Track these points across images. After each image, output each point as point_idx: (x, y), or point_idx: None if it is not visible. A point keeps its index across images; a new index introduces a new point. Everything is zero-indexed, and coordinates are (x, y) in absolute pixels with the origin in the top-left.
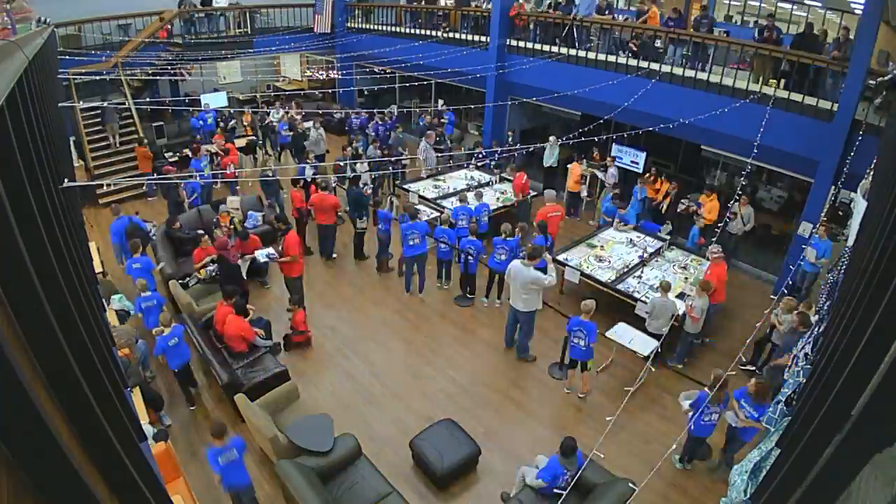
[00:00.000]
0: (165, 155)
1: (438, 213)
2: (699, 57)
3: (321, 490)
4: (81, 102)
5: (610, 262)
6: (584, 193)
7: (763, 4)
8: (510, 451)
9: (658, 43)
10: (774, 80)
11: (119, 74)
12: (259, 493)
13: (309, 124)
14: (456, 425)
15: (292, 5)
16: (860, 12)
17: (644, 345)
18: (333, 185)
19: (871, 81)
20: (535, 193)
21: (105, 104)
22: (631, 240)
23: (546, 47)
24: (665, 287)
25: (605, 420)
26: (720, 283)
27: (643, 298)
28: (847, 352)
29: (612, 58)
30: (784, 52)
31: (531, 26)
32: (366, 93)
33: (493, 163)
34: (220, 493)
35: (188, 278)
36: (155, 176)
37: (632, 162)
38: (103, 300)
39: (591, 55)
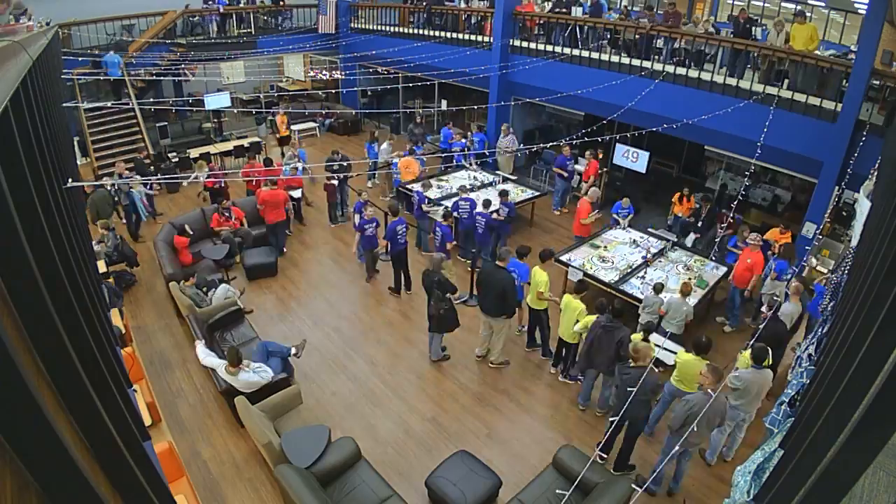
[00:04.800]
0: (168, 155)
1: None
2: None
3: (321, 494)
4: (85, 103)
5: (613, 262)
6: None
7: (766, 4)
8: (512, 452)
9: (660, 42)
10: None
11: (123, 75)
12: (260, 495)
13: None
14: (471, 457)
15: (296, 6)
16: (864, 12)
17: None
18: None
19: (874, 81)
20: (539, 194)
21: (109, 104)
22: (634, 240)
23: (549, 47)
24: (657, 289)
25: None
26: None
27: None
28: (851, 353)
29: (615, 58)
30: (787, 52)
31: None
32: (369, 93)
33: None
34: (221, 493)
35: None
36: (159, 176)
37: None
38: None
39: (595, 55)
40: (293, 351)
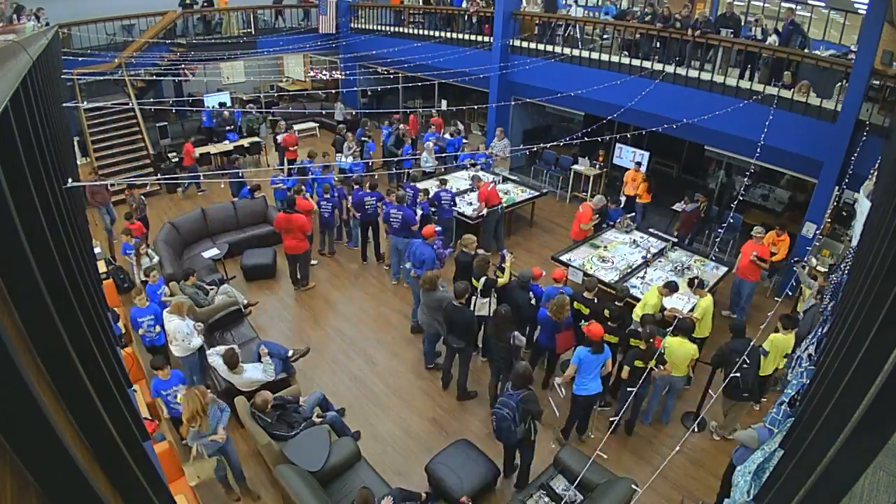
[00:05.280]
0: (168, 155)
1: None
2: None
3: (321, 494)
4: (85, 103)
5: (613, 262)
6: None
7: (766, 4)
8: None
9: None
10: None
11: (123, 75)
12: (261, 494)
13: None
14: (472, 446)
15: (296, 6)
16: (864, 12)
17: None
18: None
19: (874, 81)
20: (538, 194)
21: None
22: (634, 240)
23: (549, 47)
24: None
25: (609, 421)
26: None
27: None
28: (851, 353)
29: (615, 58)
30: (788, 52)
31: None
32: (369, 93)
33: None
34: (222, 492)
35: None
36: (159, 176)
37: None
38: None
39: (595, 55)
40: (290, 353)
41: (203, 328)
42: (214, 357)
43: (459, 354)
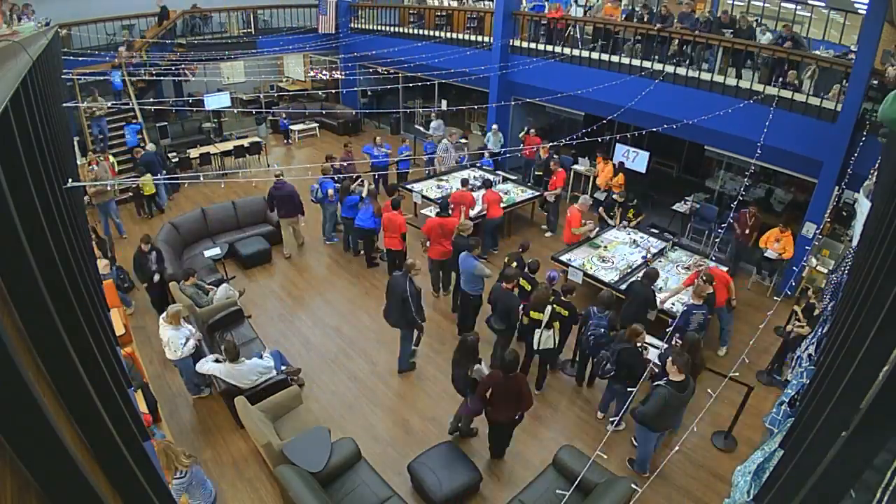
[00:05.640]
0: (169, 155)
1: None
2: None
3: (321, 494)
4: (85, 102)
5: (613, 262)
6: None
7: (767, 5)
8: (512, 452)
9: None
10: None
11: (123, 75)
12: (260, 495)
13: None
14: (456, 449)
15: (296, 6)
16: (864, 12)
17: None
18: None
19: (874, 81)
20: (538, 194)
21: (110, 104)
22: (634, 240)
23: (549, 47)
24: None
25: (609, 420)
26: (720, 287)
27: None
28: (851, 353)
29: (615, 58)
30: (788, 52)
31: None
32: (369, 93)
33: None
34: (221, 493)
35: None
36: (160, 176)
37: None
38: None
39: (595, 55)
40: (283, 368)
41: (200, 336)
42: (207, 364)
43: (499, 337)
